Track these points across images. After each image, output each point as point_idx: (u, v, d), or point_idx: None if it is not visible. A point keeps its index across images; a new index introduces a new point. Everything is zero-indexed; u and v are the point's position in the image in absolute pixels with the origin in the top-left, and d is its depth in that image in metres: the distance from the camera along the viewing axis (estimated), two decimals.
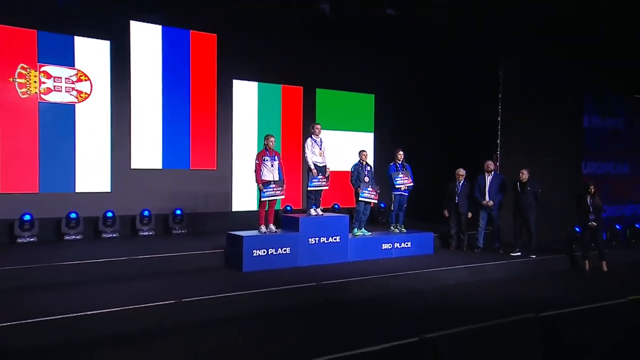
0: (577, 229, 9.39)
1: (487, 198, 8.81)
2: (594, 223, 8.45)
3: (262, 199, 7.54)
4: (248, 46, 10.23)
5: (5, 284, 5.98)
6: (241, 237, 7.21)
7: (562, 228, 9.63)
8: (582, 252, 8.74)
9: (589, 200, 8.49)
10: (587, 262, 8.63)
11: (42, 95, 8.51)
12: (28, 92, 8.41)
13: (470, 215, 9.01)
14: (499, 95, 9.99)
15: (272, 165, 7.54)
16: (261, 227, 7.57)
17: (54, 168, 8.61)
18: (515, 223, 8.69)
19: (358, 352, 3.94)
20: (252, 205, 9.81)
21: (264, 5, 9.53)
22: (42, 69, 8.49)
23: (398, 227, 8.89)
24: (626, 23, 9.76)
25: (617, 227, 9.66)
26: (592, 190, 8.51)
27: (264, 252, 7.29)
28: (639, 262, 9.44)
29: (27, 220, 8.22)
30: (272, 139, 7.66)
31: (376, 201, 8.70)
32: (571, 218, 10.01)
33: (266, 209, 7.63)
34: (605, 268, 8.56)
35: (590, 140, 10.87)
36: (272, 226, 7.65)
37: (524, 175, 8.50)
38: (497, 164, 9.75)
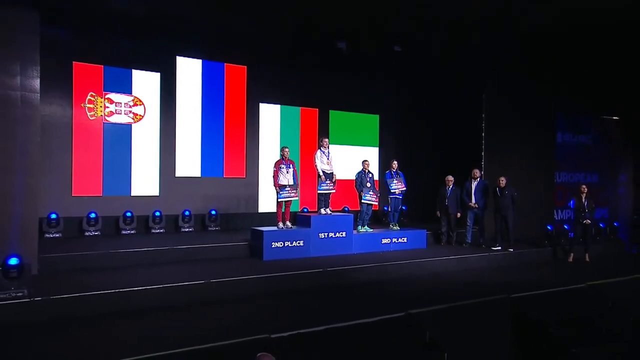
0: (549, 227, 9.35)
1: (473, 200, 8.84)
2: (588, 220, 8.49)
3: (279, 200, 7.71)
4: (272, 76, 10.50)
5: (75, 266, 6.43)
6: (262, 231, 7.37)
7: (537, 226, 9.57)
8: (569, 245, 8.80)
9: (584, 201, 8.54)
10: (571, 254, 8.66)
11: (106, 117, 8.95)
12: (95, 115, 8.88)
13: (459, 214, 9.02)
14: (483, 115, 10.04)
15: (287, 172, 7.69)
16: (279, 223, 7.73)
17: (114, 175, 9.01)
18: (496, 221, 8.70)
19: (355, 323, 4.12)
20: (275, 208, 10.05)
21: (287, 42, 9.82)
22: (107, 96, 8.95)
23: (395, 225, 8.99)
24: (594, 53, 9.74)
25: None
26: (585, 191, 8.59)
27: (281, 244, 7.43)
28: (601, 255, 9.30)
29: (92, 218, 8.65)
30: (287, 150, 7.85)
31: (377, 203, 8.81)
32: (545, 218, 9.95)
33: (283, 209, 7.78)
34: (587, 259, 8.66)
35: (563, 154, 10.80)
36: (288, 223, 7.80)
37: (503, 181, 8.55)
38: (482, 172, 9.78)
